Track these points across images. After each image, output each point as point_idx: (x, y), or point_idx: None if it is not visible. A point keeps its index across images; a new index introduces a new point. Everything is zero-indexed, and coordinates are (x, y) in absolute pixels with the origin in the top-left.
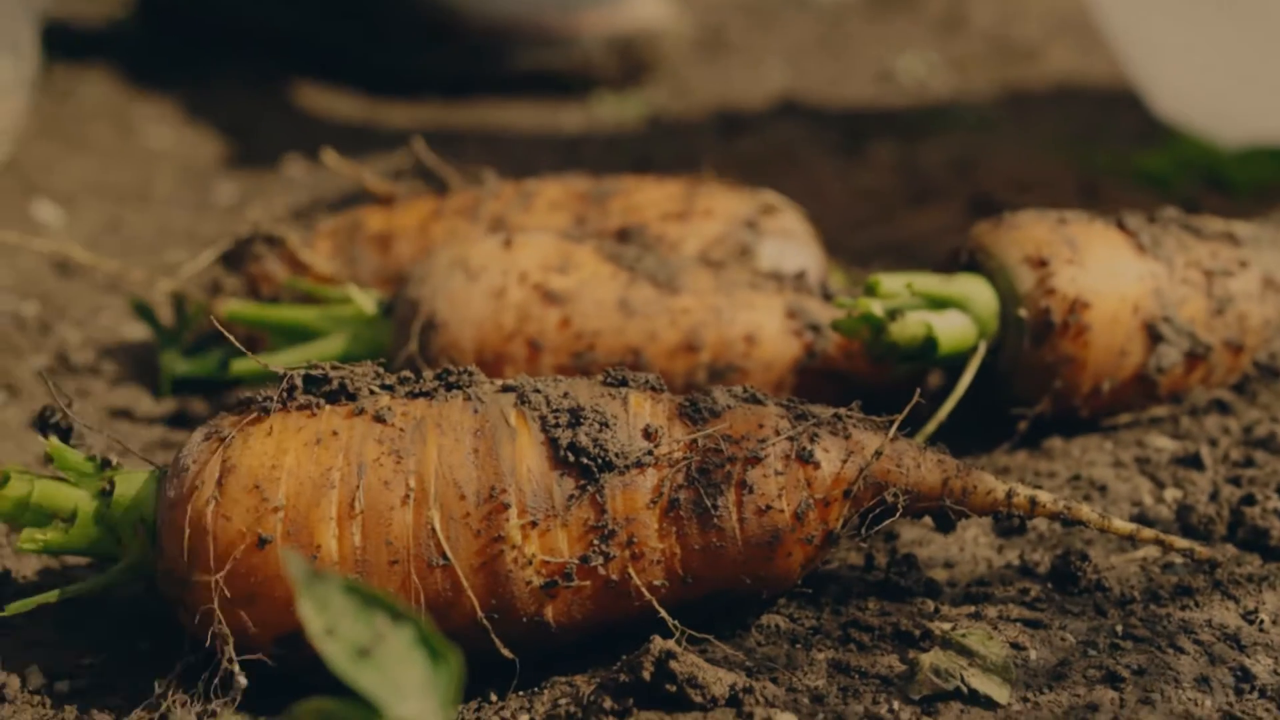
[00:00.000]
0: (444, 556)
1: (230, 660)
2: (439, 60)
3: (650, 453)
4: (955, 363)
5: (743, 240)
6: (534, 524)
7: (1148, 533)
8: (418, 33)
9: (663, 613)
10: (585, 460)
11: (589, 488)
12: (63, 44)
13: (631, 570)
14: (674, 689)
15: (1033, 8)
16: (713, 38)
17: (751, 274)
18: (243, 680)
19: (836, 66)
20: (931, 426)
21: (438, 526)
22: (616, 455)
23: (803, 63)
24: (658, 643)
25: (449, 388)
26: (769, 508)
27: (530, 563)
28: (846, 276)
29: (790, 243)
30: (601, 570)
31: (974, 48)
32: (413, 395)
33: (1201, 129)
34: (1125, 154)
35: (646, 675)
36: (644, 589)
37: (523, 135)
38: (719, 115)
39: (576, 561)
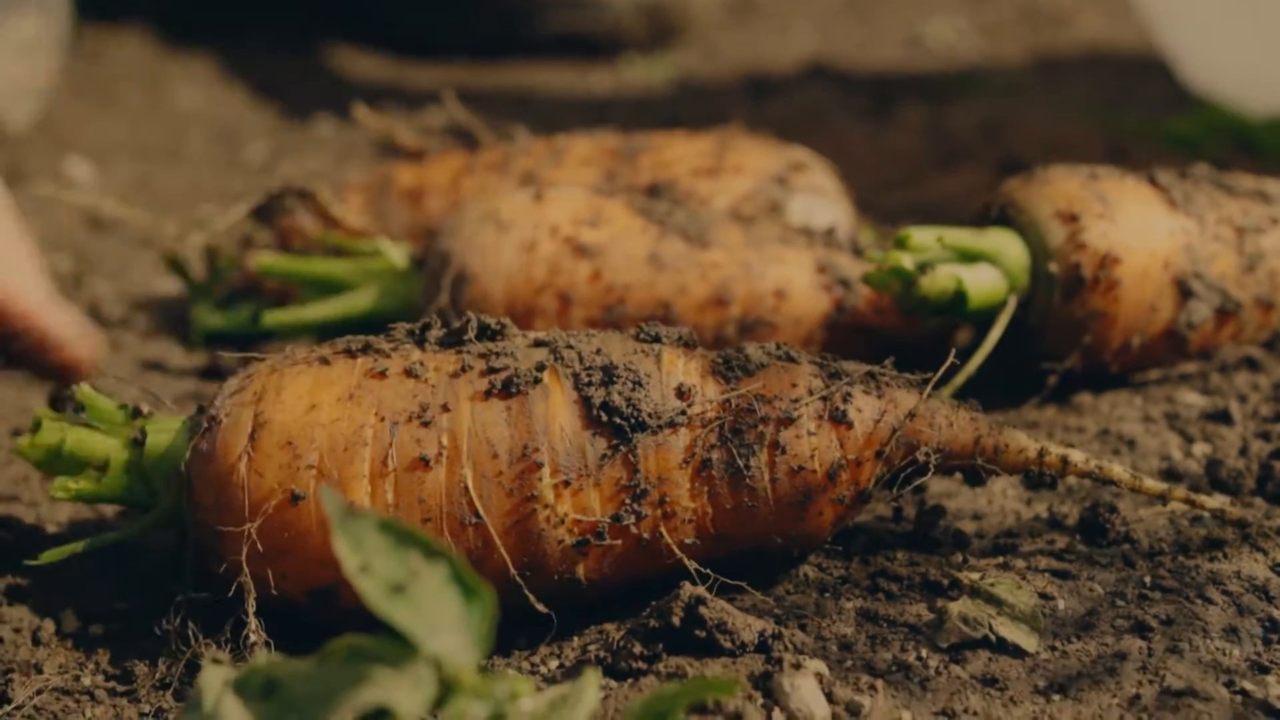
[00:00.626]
0: (476, 515)
1: (253, 614)
2: (468, 22)
3: (684, 412)
4: (985, 317)
5: (773, 196)
6: (567, 483)
7: (1179, 493)
8: None
9: (692, 566)
10: (618, 420)
11: (621, 448)
12: (94, 4)
13: (663, 529)
14: (703, 634)
15: None
16: (741, 2)
17: (782, 229)
18: (263, 636)
19: (865, 31)
20: (960, 378)
21: (470, 485)
22: (650, 415)
23: (831, 27)
24: (687, 589)
25: (482, 340)
26: (801, 469)
27: (562, 521)
28: (876, 234)
29: (820, 199)
30: (633, 529)
31: (1003, 13)
32: (444, 346)
33: (1230, 98)
34: (1154, 119)
35: (676, 620)
36: (675, 547)
37: (551, 97)
38: (748, 78)
39: (608, 520)
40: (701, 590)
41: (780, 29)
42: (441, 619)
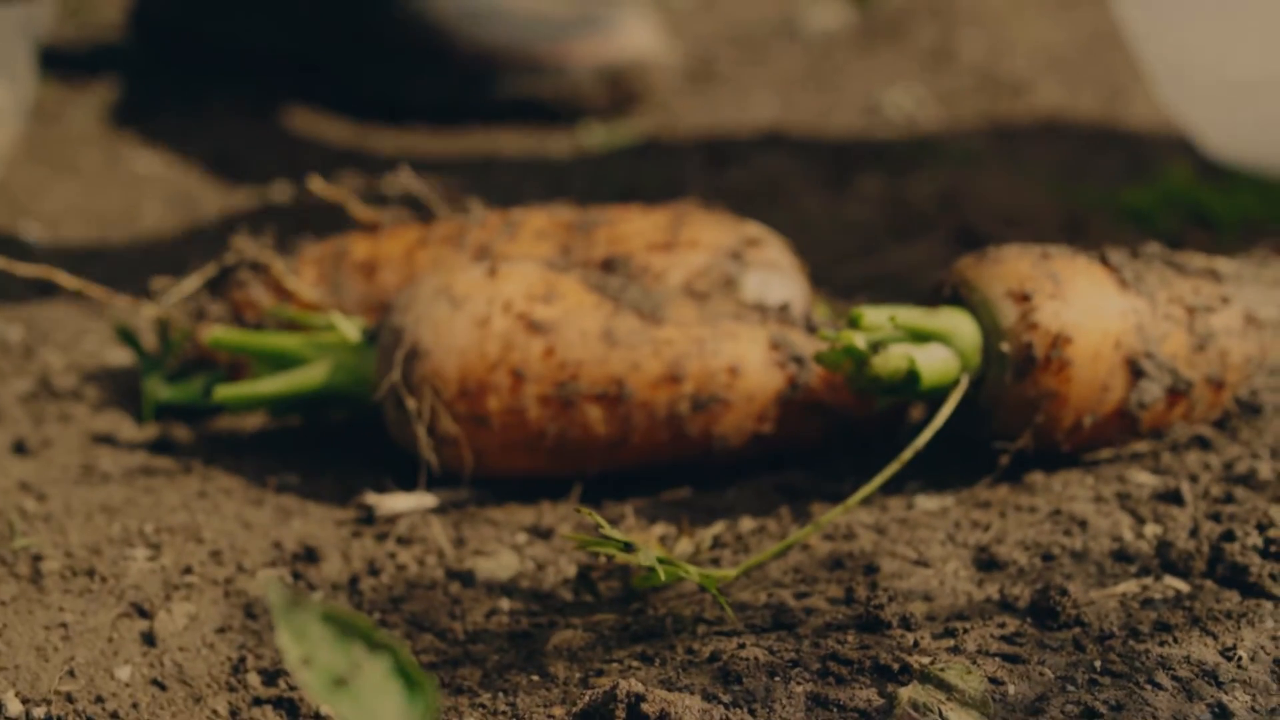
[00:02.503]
0: None
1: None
2: (428, 86)
3: None
4: (938, 396)
5: (727, 271)
6: None
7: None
8: (408, 58)
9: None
10: None
11: None
12: (54, 68)
13: None
14: None
15: (1021, 44)
16: (702, 69)
17: (736, 305)
18: None
19: (824, 99)
20: (908, 454)
21: None
22: None
23: (791, 94)
24: (623, 686)
25: None
26: None
27: None
28: (831, 309)
29: (774, 274)
30: None
31: (962, 82)
32: None
33: (1251, 163)
34: (1111, 190)
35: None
36: None
37: (510, 163)
38: (707, 146)
39: None
40: (638, 685)
41: (740, 97)
42: (384, 712)
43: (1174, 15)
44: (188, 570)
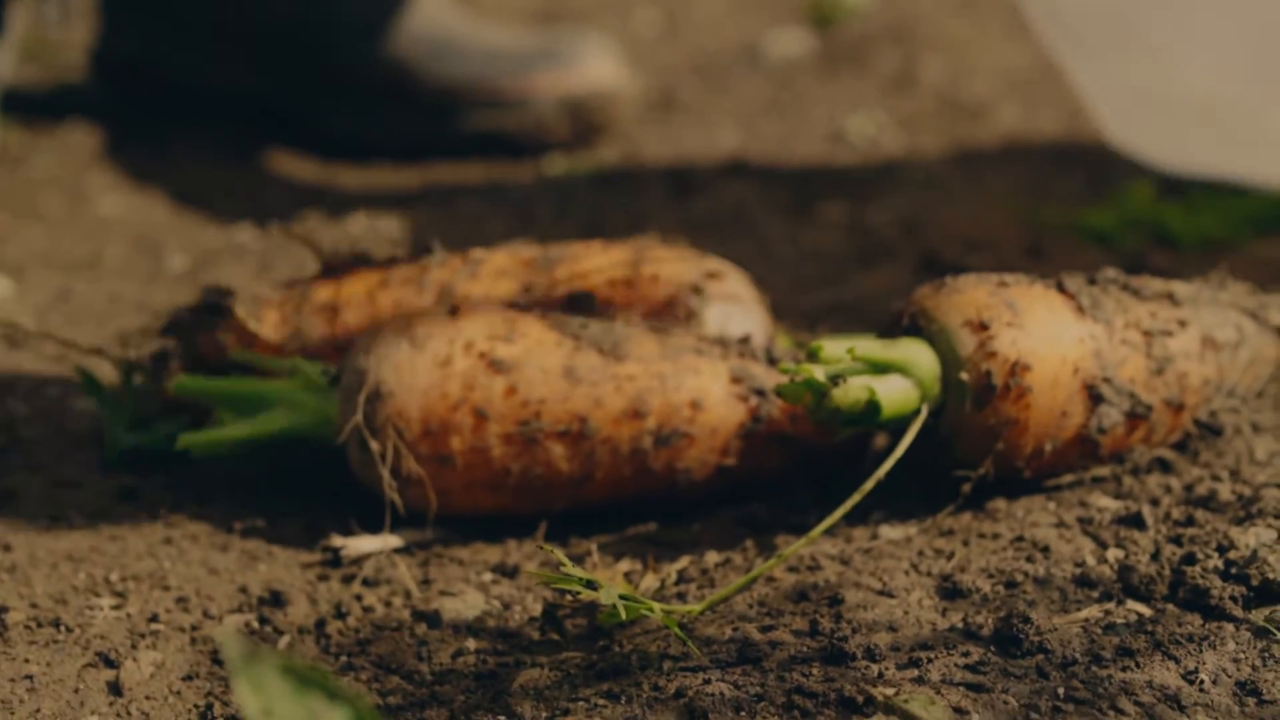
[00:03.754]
0: None
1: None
2: (393, 124)
3: None
4: (900, 425)
5: (689, 306)
6: None
7: None
8: (371, 97)
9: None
10: None
11: None
12: (15, 111)
13: None
14: None
15: (982, 67)
16: (664, 99)
17: (697, 340)
18: None
19: (787, 126)
20: (870, 484)
21: None
22: None
23: (754, 123)
24: None
25: None
26: None
27: None
28: (794, 338)
29: (735, 307)
30: None
31: (922, 106)
32: None
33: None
34: (1072, 211)
35: None
36: None
37: (476, 197)
38: (670, 176)
39: None
40: None
41: (703, 126)
42: None
43: (1104, 47)
44: (154, 618)
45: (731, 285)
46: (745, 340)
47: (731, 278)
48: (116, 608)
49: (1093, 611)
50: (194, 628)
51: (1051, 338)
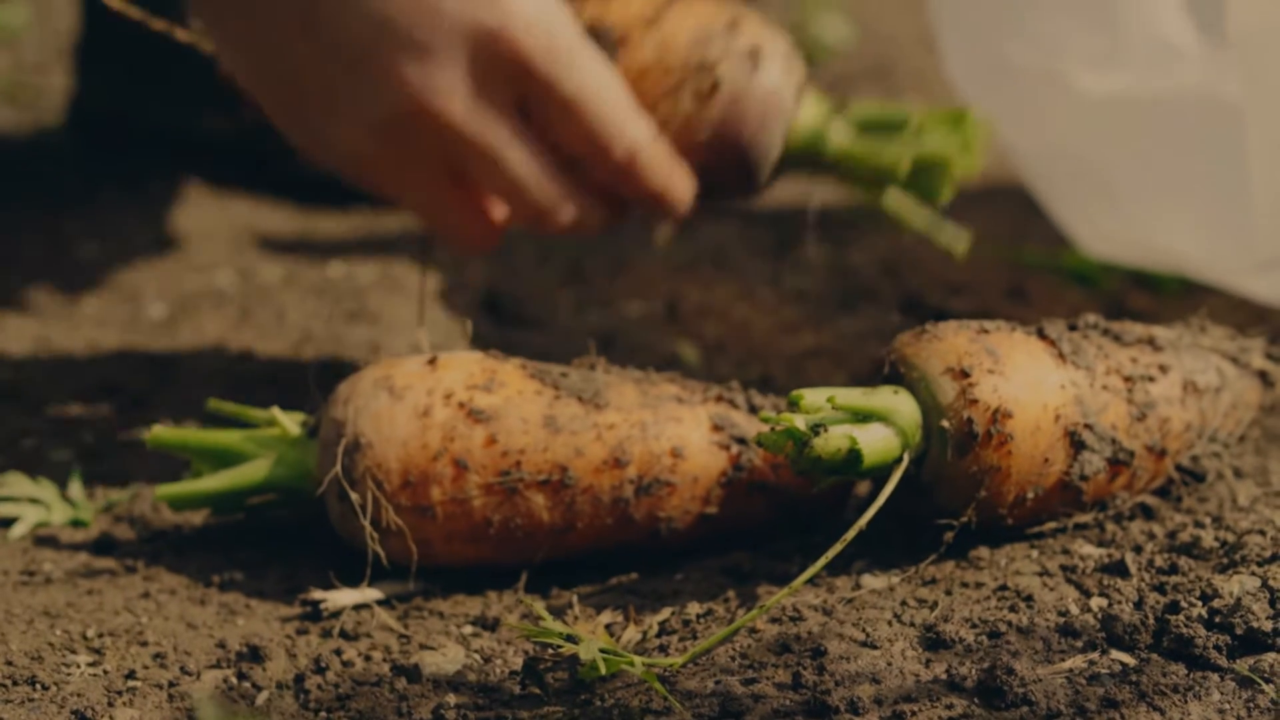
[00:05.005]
0: None
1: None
2: None
3: None
4: (881, 474)
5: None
6: None
7: None
8: None
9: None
10: None
11: None
12: None
13: None
14: None
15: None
16: None
17: (679, 388)
18: None
19: None
20: (851, 534)
21: None
22: None
23: None
24: None
25: None
26: None
27: None
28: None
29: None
30: None
31: None
32: None
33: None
34: (1053, 252)
35: None
36: None
37: None
38: (650, 217)
39: None
40: None
41: None
42: None
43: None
44: (131, 674)
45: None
46: (729, 386)
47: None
48: (93, 665)
49: (1077, 662)
50: (171, 684)
51: (1033, 384)
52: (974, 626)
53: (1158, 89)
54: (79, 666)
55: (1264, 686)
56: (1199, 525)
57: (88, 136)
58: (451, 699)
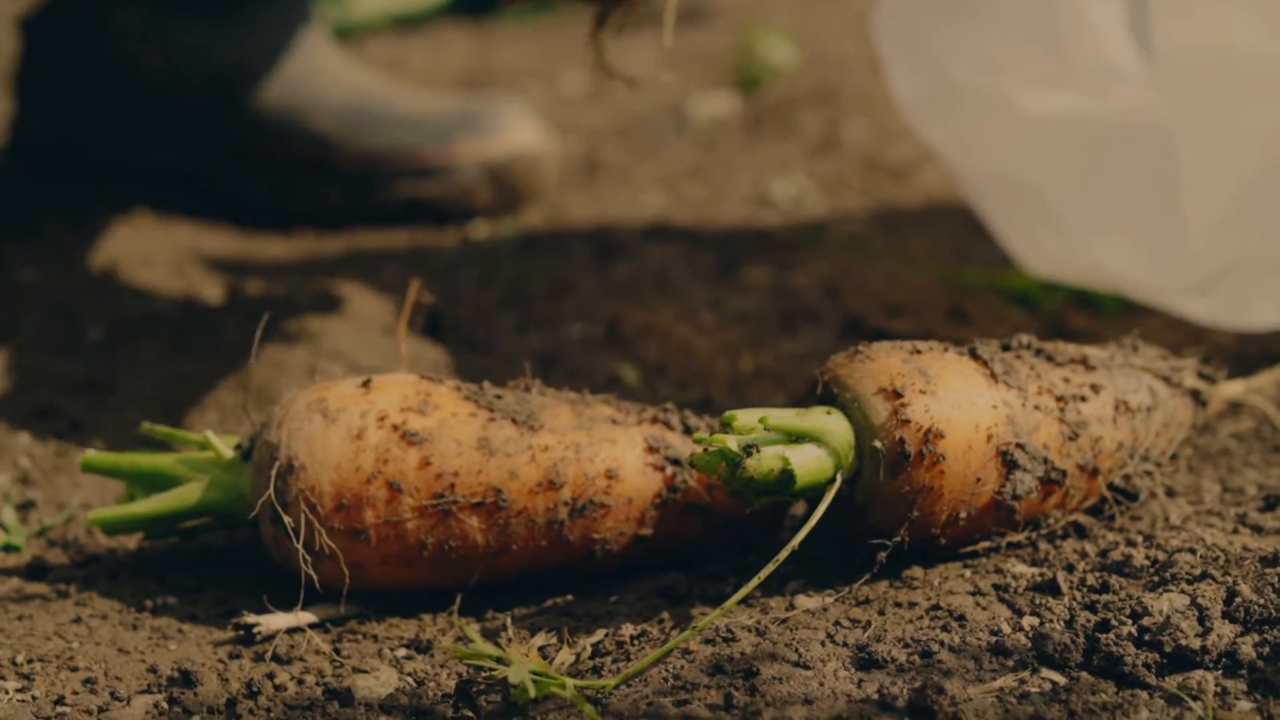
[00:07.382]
0: None
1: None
2: (315, 195)
3: None
4: (815, 494)
5: None
6: None
7: None
8: (292, 170)
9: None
10: None
11: None
12: None
13: None
14: None
15: (905, 129)
16: (589, 163)
17: (614, 409)
18: None
19: (711, 189)
20: (784, 554)
21: None
22: None
23: (679, 186)
24: None
25: None
26: None
27: None
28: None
29: None
30: None
31: (845, 168)
32: None
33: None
34: (994, 273)
35: None
36: None
37: (398, 263)
38: (594, 240)
39: None
40: None
41: (628, 188)
42: None
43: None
44: (60, 700)
45: None
46: (663, 408)
47: None
48: (21, 690)
49: (1007, 681)
50: (101, 709)
51: (965, 404)
52: (906, 646)
53: (1100, 110)
54: (7, 693)
55: (1191, 704)
56: (1131, 544)
57: (28, 162)
58: None
